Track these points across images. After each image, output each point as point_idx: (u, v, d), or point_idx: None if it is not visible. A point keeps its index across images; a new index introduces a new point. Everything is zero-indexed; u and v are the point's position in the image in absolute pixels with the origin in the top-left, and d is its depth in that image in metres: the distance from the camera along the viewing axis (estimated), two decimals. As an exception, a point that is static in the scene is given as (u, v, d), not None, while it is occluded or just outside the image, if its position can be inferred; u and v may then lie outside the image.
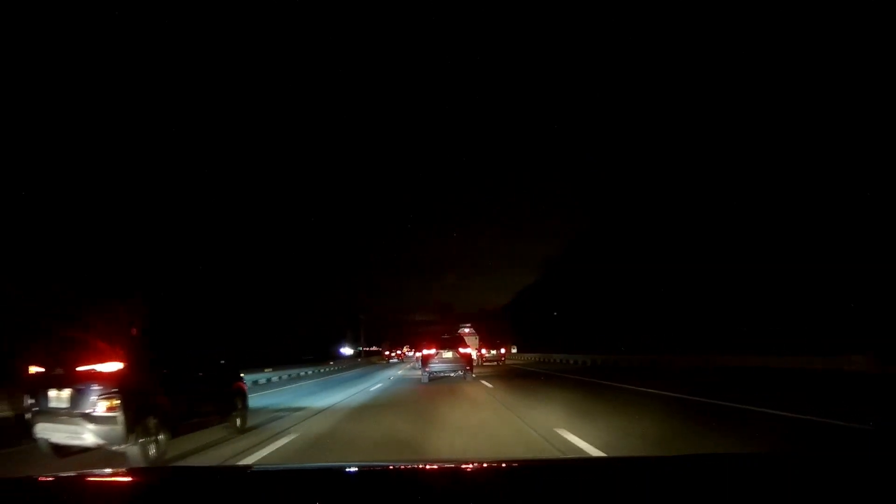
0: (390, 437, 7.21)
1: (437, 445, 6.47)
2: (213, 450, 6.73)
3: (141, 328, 7.55)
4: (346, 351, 67.31)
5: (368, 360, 55.72)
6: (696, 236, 24.66)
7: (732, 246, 22.01)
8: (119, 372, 5.73)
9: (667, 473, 1.88)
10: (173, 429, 6.28)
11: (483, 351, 38.20)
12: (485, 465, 2.36)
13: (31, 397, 6.28)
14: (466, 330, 50.11)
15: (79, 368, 5.79)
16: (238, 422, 7.99)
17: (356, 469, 2.30)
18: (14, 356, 9.69)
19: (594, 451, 5.70)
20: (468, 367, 19.65)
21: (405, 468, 2.30)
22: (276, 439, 7.33)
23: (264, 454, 6.33)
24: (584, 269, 40.90)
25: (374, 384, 18.98)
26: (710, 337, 22.29)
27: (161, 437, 6.00)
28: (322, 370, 34.56)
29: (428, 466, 2.43)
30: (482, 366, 32.64)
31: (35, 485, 1.86)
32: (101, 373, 5.70)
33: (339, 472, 2.26)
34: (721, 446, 5.76)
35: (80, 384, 5.77)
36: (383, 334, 79.13)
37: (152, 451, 5.85)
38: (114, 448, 5.75)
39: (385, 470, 2.29)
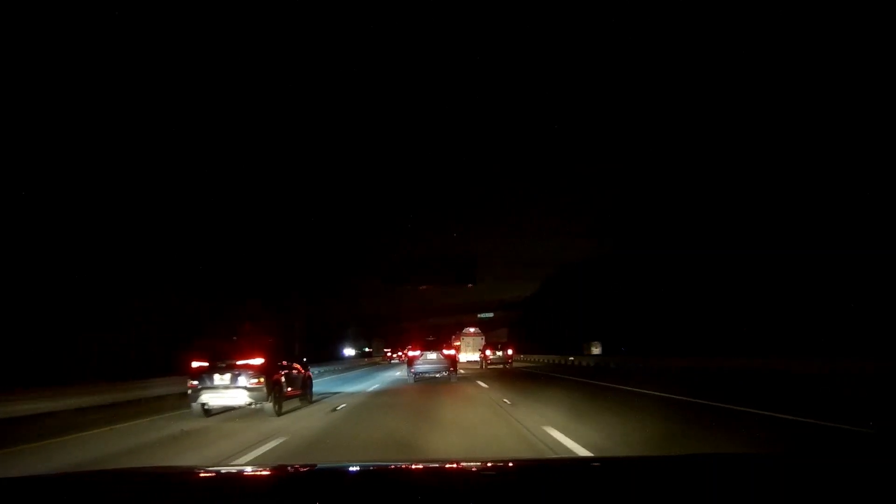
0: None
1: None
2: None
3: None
4: (348, 352, 70.93)
5: (371, 361, 59.11)
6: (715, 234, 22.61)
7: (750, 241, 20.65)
8: (262, 364, 10.46)
9: (664, 474, 1.92)
10: (283, 397, 10.97)
11: (487, 352, 35.78)
12: (486, 464, 2.44)
13: (194, 379, 10.88)
14: (472, 330, 49.21)
15: (238, 362, 10.46)
16: (308, 397, 12.68)
17: (356, 469, 2.40)
18: (172, 354, 14.37)
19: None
20: (452, 369, 20.73)
21: (404, 468, 2.36)
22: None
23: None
24: (601, 268, 34.77)
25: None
26: (719, 338, 21.93)
27: (279, 400, 10.68)
28: (333, 368, 39.08)
29: (427, 466, 2.52)
30: (487, 368, 31.72)
31: (36, 484, 1.89)
32: (252, 364, 10.41)
33: (339, 472, 2.35)
34: (716, 449, 5.90)
35: (237, 370, 10.44)
36: (385, 331, 77.86)
37: (276, 407, 10.51)
38: (255, 406, 10.38)
39: (384, 470, 2.36)
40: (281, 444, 7.35)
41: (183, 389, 14.87)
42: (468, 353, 46.90)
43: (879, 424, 6.97)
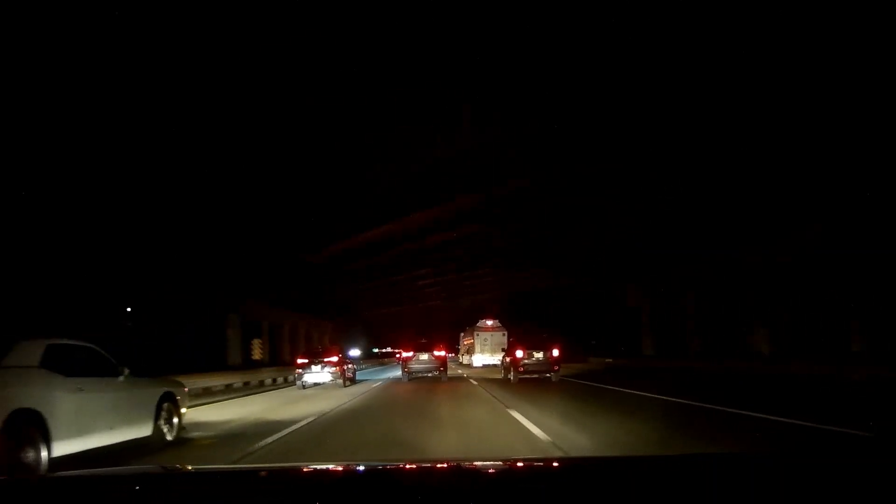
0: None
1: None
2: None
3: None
4: (354, 352, 76.52)
5: (380, 361, 62.33)
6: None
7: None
8: (337, 360, 20.45)
9: (664, 474, 1.95)
10: (346, 379, 20.92)
11: (519, 353, 20.20)
12: (486, 464, 2.51)
13: (299, 369, 20.78)
14: (489, 323, 37.56)
15: (325, 359, 20.43)
16: (354, 380, 22.63)
17: (356, 469, 2.46)
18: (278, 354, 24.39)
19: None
20: (442, 368, 22.47)
21: (404, 468, 2.41)
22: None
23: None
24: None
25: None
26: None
27: (345, 380, 20.63)
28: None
29: (427, 466, 2.58)
30: (518, 379, 19.37)
31: (36, 485, 1.94)
32: (332, 360, 20.38)
33: (339, 472, 2.39)
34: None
35: (324, 364, 20.36)
36: (390, 330, 70.55)
37: (344, 384, 20.39)
38: (333, 382, 20.26)
39: (384, 470, 2.41)
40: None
41: (278, 376, 25.15)
42: (484, 355, 35.21)
43: (880, 425, 7.02)
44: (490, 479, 2.03)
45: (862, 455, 2.88)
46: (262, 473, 2.40)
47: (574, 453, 6.22)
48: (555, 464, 2.76)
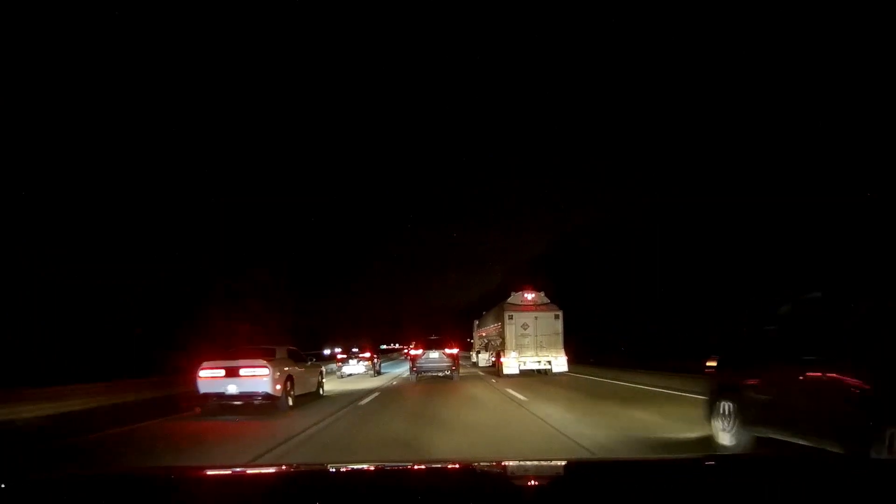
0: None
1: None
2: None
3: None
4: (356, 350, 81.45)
5: (389, 358, 64.46)
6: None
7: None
8: (370, 356, 28.40)
9: (666, 474, 2.00)
10: (375, 371, 28.84)
11: None
12: (488, 464, 2.59)
13: (340, 362, 28.64)
14: (529, 298, 23.57)
15: (361, 355, 28.36)
16: (380, 371, 30.48)
17: (356, 469, 2.53)
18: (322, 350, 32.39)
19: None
20: (454, 367, 20.63)
21: (404, 468, 2.49)
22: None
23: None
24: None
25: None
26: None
27: (375, 372, 28.52)
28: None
29: (428, 467, 2.63)
30: None
31: (35, 486, 1.96)
32: (366, 356, 28.34)
33: (339, 472, 2.43)
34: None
35: (359, 359, 28.25)
36: (403, 327, 76.79)
37: (375, 375, 28.23)
38: (366, 373, 28.10)
39: (385, 470, 2.45)
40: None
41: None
42: (525, 354, 22.15)
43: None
44: (492, 480, 2.10)
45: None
46: (263, 474, 2.44)
47: None
48: (557, 464, 2.79)
